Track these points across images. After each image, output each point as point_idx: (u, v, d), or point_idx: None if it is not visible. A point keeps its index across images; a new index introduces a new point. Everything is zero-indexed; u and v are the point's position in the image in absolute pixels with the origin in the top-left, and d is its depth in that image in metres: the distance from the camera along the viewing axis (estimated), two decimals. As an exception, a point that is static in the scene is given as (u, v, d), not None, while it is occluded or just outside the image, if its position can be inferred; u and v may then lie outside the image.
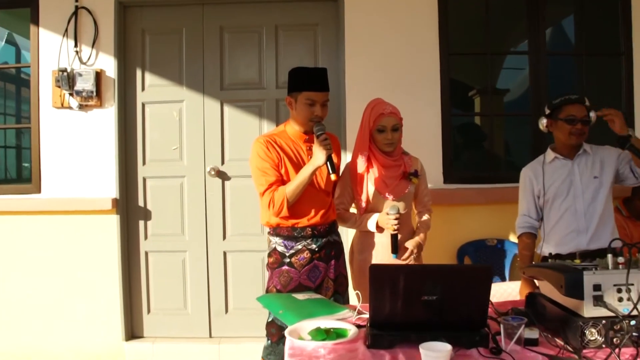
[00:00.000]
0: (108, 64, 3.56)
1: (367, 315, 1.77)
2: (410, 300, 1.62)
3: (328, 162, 2.32)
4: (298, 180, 2.38)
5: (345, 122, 3.55)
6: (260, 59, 3.67)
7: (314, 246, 2.47)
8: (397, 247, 2.52)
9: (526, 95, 3.74)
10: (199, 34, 3.66)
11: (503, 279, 3.49)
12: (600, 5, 3.73)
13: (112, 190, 3.57)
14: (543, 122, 2.68)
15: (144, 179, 3.70)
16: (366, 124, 2.65)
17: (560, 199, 2.63)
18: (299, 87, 2.43)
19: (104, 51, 3.56)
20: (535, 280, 2.48)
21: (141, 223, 3.71)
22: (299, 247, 2.46)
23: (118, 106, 3.58)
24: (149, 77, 3.70)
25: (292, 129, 2.52)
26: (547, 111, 2.66)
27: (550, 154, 2.70)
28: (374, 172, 2.64)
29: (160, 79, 3.69)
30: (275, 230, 2.50)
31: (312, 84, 2.42)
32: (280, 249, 2.49)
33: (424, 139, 3.48)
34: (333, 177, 2.36)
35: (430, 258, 2.97)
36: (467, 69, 3.96)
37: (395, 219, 2.48)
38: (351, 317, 1.94)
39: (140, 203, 3.70)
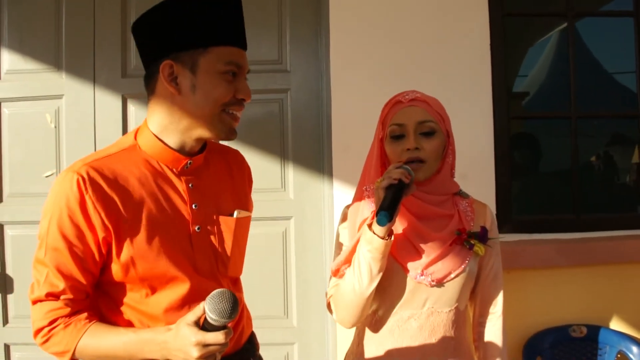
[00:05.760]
0: None
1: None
2: None
3: None
4: (116, 346, 1.08)
5: (330, 134, 2.15)
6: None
7: None
8: (395, 202, 1.21)
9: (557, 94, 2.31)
10: (88, -14, 2.28)
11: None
12: None
13: (-57, 245, 2.20)
14: None
15: (1, 226, 2.30)
16: (377, 131, 1.42)
17: None
18: (202, 36, 1.10)
19: None
20: None
21: (-3, 298, 2.31)
22: None
23: (-46, 106, 2.22)
24: (8, 59, 2.30)
25: (155, 142, 1.16)
26: None
27: None
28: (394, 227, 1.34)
29: (26, 60, 2.29)
30: None
31: (232, 29, 1.13)
32: None
33: (464, 160, 2.04)
34: None
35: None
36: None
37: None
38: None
39: (-5, 265, 2.30)
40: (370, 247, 1.25)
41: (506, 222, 2.17)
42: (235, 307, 0.96)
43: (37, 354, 2.30)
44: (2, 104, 2.27)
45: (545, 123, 2.49)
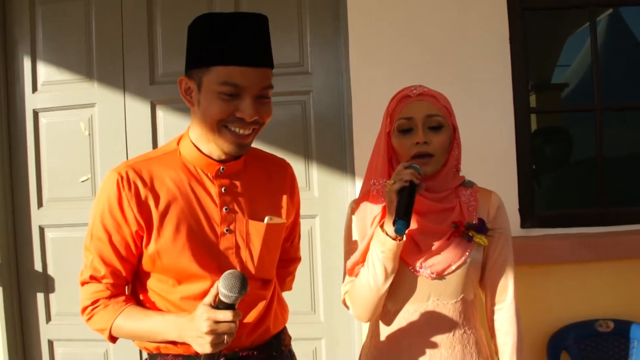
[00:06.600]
0: (-25, 51, 2.32)
1: None
2: None
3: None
4: (143, 328, 1.21)
5: (351, 133, 2.19)
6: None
7: None
8: (410, 207, 1.21)
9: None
10: (117, -4, 2.35)
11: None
12: None
13: (-12, 248, 2.30)
14: None
15: (41, 229, 2.42)
16: (384, 125, 1.40)
17: None
18: (206, 55, 1.15)
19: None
20: None
21: (40, 297, 2.42)
22: None
23: (-5, 116, 2.32)
24: (44, 70, 2.41)
25: (192, 149, 1.25)
26: None
27: None
28: None
29: (60, 71, 2.39)
30: None
31: (235, 49, 1.13)
32: None
33: (484, 154, 2.06)
34: None
35: None
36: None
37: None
38: None
39: (37, 266, 2.41)
40: (384, 247, 1.27)
41: (530, 216, 2.16)
42: (244, 284, 1.05)
43: (79, 349, 2.44)
44: (40, 114, 2.39)
45: (575, 116, 2.45)
